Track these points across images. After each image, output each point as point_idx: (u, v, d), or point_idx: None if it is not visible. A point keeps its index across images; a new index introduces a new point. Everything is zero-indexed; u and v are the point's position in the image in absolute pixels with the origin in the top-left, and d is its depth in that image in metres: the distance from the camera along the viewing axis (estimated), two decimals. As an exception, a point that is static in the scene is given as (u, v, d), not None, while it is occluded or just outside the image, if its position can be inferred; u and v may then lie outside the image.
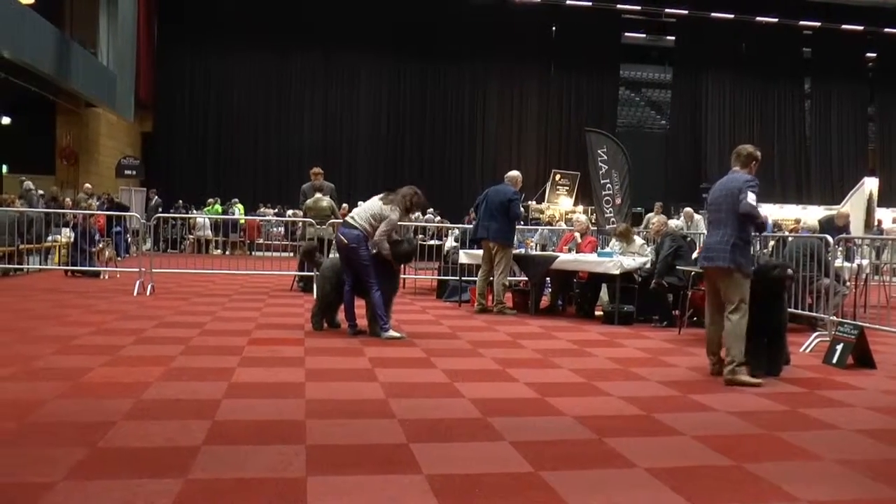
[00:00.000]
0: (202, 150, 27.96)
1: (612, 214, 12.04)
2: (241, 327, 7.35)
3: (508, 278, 9.56)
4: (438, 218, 21.98)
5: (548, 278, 9.93)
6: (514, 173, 9.46)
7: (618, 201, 12.09)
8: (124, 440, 3.61)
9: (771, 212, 24.66)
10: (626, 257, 8.99)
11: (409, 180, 28.24)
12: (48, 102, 20.26)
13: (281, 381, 5.01)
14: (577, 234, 10.17)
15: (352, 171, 26.33)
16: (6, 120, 18.79)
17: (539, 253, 9.75)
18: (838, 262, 8.10)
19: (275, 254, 13.70)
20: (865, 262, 9.63)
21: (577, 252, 9.62)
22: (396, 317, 8.09)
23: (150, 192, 22.34)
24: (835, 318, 7.36)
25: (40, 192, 16.35)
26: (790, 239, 8.84)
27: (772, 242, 9.76)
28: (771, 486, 3.29)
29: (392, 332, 6.89)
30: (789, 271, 5.75)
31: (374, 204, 6.98)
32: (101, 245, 12.27)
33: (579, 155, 27.61)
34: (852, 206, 16.94)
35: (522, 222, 21.63)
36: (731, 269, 5.50)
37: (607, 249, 9.77)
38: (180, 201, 23.46)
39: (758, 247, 8.95)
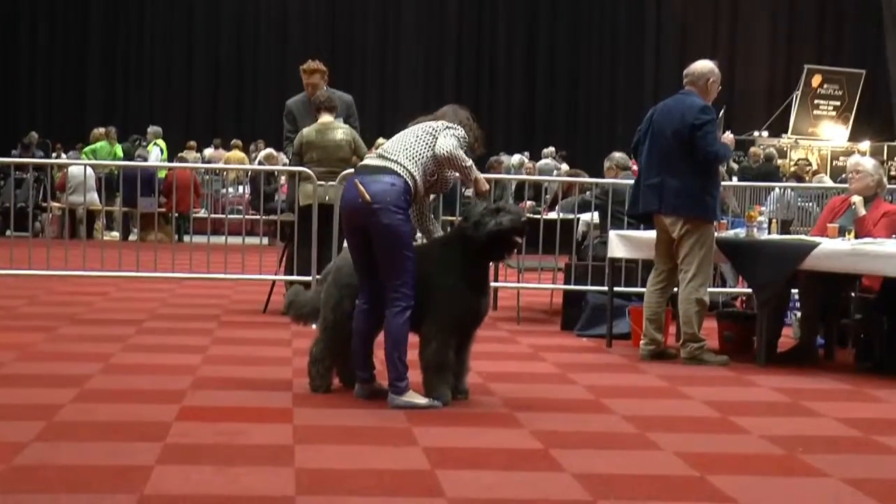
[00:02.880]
0: (77, 37, 28.45)
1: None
2: (164, 385, 7.46)
3: (710, 289, 9.50)
4: (565, 166, 21.94)
5: (794, 290, 9.87)
6: (701, 66, 9.39)
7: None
8: None
9: None
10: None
11: (502, 97, 28.30)
12: None
13: (245, 493, 5.05)
14: (856, 200, 10.00)
15: (386, 79, 26.51)
16: None
17: (775, 237, 9.63)
18: None
19: (232, 239, 13.80)
20: None
21: (856, 236, 9.47)
22: (481, 366, 8.11)
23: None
24: None
25: None
26: None
27: None
28: None
29: (415, 398, 7.01)
30: None
31: (414, 130, 7.19)
32: None
33: (860, 36, 27.20)
34: None
35: (735, 174, 21.22)
36: None
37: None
38: (34, 134, 23.96)
39: None
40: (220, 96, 28.40)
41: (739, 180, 18.92)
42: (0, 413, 6.52)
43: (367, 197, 6.86)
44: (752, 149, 24.01)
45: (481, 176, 7.28)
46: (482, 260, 7.28)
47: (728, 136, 9.79)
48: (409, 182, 6.94)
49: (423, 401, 7.00)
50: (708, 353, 9.16)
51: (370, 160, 7.28)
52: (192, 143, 25.19)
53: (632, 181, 10.33)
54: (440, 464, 5.66)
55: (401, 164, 6.95)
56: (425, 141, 7.04)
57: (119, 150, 23.03)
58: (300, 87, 12.09)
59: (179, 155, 24.27)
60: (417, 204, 7.20)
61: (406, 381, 7.02)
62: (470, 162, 7.10)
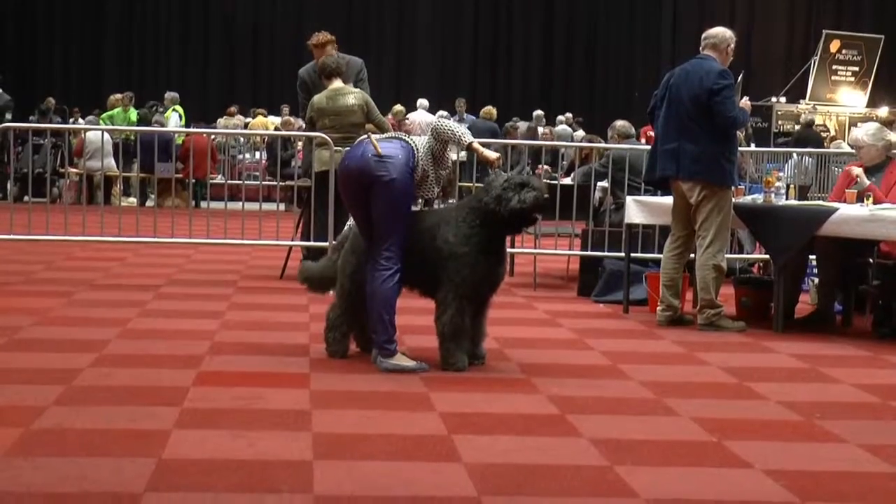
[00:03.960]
0: (94, 2, 28.37)
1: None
2: (181, 350, 7.50)
3: (727, 255, 9.48)
4: (581, 133, 21.87)
5: (811, 256, 9.83)
6: (722, 30, 9.36)
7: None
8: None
9: None
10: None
11: (519, 63, 28.15)
12: None
13: (263, 457, 5.07)
14: (857, 172, 9.94)
15: (402, 43, 26.36)
16: None
17: (792, 203, 9.60)
18: None
19: (249, 205, 13.77)
20: None
21: (873, 202, 9.43)
22: (497, 331, 8.13)
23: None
24: None
25: None
26: None
27: None
28: None
29: (402, 360, 7.08)
30: None
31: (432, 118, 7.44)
32: None
33: (879, 1, 27.03)
34: None
35: (753, 140, 21.16)
36: None
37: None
38: (51, 100, 23.90)
39: None
40: (236, 65, 28.32)
41: (781, 146, 18.87)
42: (19, 377, 6.57)
43: (380, 150, 6.94)
44: (803, 116, 24.01)
45: (477, 142, 7.27)
46: (500, 230, 7.27)
47: (745, 102, 9.74)
48: (415, 152, 7.06)
49: (410, 363, 7.05)
50: (725, 319, 9.15)
51: (377, 137, 7.36)
52: (233, 108, 25.19)
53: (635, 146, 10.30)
54: (457, 429, 5.67)
55: (409, 138, 7.18)
56: (423, 140, 7.23)
57: (134, 115, 22.97)
58: (306, 57, 12.06)
59: (219, 121, 24.34)
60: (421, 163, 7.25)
61: (395, 343, 7.10)
62: (464, 129, 7.24)
